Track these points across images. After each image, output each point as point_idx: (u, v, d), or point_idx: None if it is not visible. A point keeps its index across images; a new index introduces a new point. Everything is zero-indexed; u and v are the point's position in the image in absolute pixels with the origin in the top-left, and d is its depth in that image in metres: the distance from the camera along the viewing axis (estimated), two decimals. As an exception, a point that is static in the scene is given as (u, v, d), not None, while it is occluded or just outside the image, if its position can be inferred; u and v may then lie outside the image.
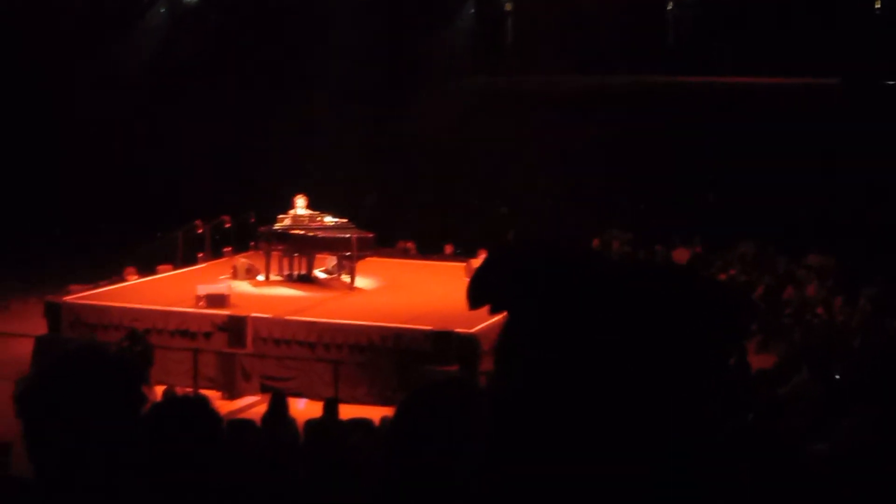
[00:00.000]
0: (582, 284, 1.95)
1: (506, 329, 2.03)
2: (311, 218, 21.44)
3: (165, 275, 22.19)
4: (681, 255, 24.08)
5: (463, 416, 2.44)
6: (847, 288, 20.37)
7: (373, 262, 21.79)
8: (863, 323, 18.46)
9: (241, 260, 22.03)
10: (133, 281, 21.34)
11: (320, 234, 20.96)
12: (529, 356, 1.93)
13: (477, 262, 21.02)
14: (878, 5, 28.61)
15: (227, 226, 24.58)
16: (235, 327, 18.10)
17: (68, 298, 19.65)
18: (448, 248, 25.16)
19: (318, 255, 21.43)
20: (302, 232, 21.02)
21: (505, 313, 2.03)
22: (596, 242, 24.63)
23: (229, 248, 24.04)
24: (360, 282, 20.97)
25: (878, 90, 27.79)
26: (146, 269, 22.19)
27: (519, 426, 1.93)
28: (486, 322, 17.09)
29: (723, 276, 22.00)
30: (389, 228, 25.13)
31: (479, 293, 2.06)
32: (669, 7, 30.02)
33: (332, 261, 21.54)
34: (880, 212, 23.95)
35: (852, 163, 25.19)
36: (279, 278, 21.39)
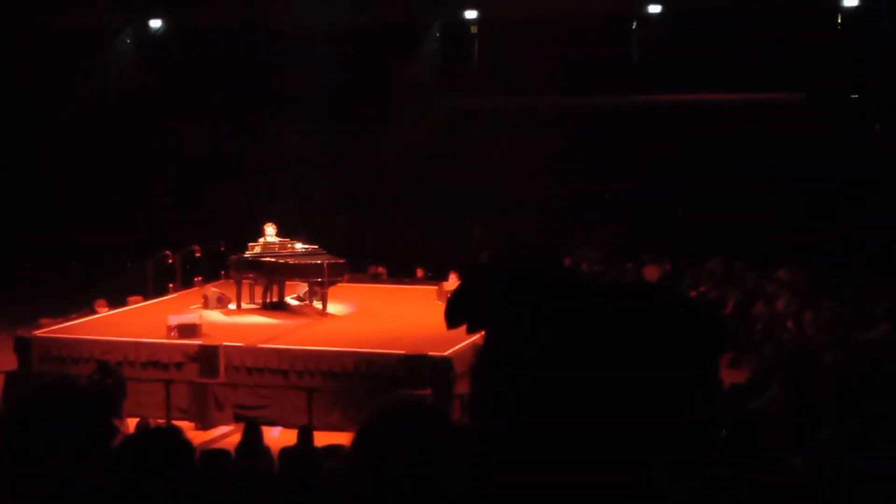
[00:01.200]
0: (558, 302, 1.95)
1: (484, 348, 2.02)
2: (282, 245, 21.41)
3: (136, 306, 22.09)
4: (651, 273, 24.16)
5: (424, 438, 2.42)
6: (816, 302, 20.48)
7: (344, 287, 21.76)
8: (832, 336, 18.54)
9: (212, 289, 21.96)
10: (103, 313, 21.23)
11: (291, 260, 20.93)
12: (508, 375, 1.93)
13: (448, 285, 21.07)
14: (839, 20, 28.88)
15: (197, 255, 24.51)
16: (207, 357, 18.01)
17: (38, 332, 19.52)
18: (419, 272, 25.19)
19: (290, 282, 21.39)
20: (272, 259, 20.98)
21: (481, 333, 2.03)
22: (567, 261, 24.67)
23: (200, 278, 23.96)
24: (332, 308, 20.94)
25: (843, 104, 28.04)
26: (116, 300, 22.08)
27: (501, 446, 1.92)
28: (459, 345, 17.09)
29: (693, 293, 22.09)
30: (361, 254, 25.14)
31: (456, 312, 2.06)
32: (634, 26, 30.21)
33: (303, 287, 21.50)
34: (848, 225, 24.10)
35: (819, 176, 25.38)
36: (251, 306, 21.34)
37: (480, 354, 2.02)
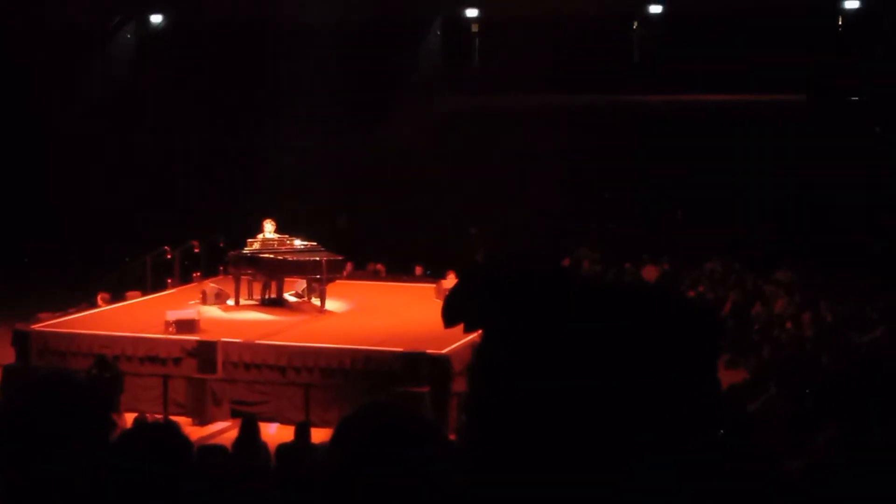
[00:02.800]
0: (555, 303, 1.95)
1: (481, 348, 2.03)
2: (281, 241, 21.39)
3: (134, 301, 22.08)
4: (649, 273, 24.16)
5: (401, 442, 2.42)
6: (815, 304, 20.49)
7: (343, 284, 21.75)
8: (830, 338, 18.55)
9: (211, 285, 21.95)
10: (102, 307, 21.22)
11: (290, 257, 20.91)
12: (505, 375, 1.93)
13: (447, 283, 21.07)
14: (840, 23, 28.87)
15: (196, 251, 24.51)
16: (205, 352, 18.01)
17: (37, 326, 19.51)
18: (418, 270, 25.19)
19: (288, 279, 21.38)
20: (271, 256, 20.96)
21: (478, 333, 2.03)
22: (566, 262, 24.67)
23: (198, 273, 23.96)
24: (331, 304, 20.93)
25: (844, 107, 28.03)
26: (115, 295, 22.08)
27: (497, 443, 1.93)
28: (457, 343, 17.09)
29: (691, 294, 22.09)
30: (359, 251, 25.15)
31: (453, 312, 2.06)
32: (634, 26, 30.20)
33: (301, 284, 21.49)
34: (847, 228, 24.11)
35: (819, 178, 25.39)
36: (249, 302, 21.32)
37: (477, 354, 2.02)
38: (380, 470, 2.33)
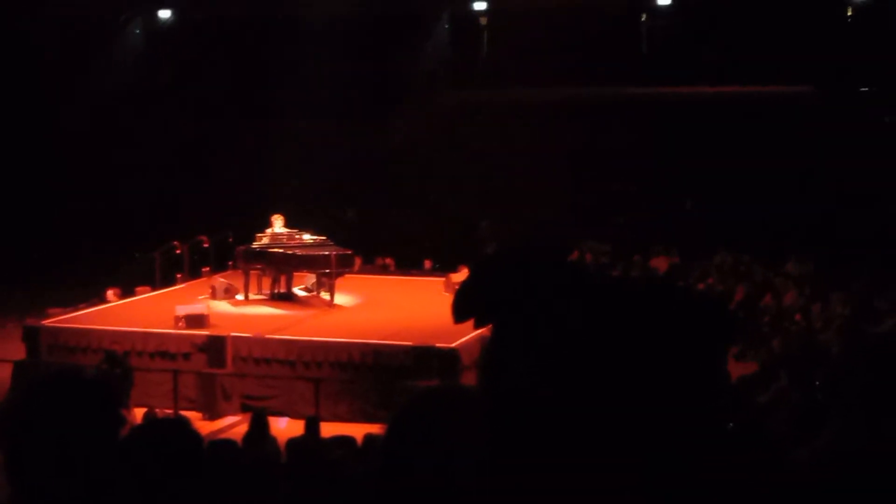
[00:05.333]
0: (566, 295, 1.95)
1: (492, 341, 2.02)
2: (290, 236, 21.42)
3: (144, 296, 22.12)
4: (659, 264, 24.13)
5: (455, 423, 2.42)
6: (825, 295, 20.45)
7: (352, 278, 21.77)
8: (840, 329, 18.52)
9: (220, 280, 21.98)
10: (112, 303, 21.27)
11: (299, 251, 20.93)
12: (516, 368, 1.93)
13: (456, 277, 21.08)
14: (849, 13, 28.78)
15: (205, 245, 24.53)
16: (215, 347, 18.04)
17: (46, 322, 19.56)
18: (427, 264, 25.19)
19: (297, 273, 21.39)
20: (280, 250, 20.99)
21: (489, 327, 2.03)
22: (574, 254, 24.65)
23: (207, 268, 23.99)
24: (340, 299, 20.94)
25: (852, 97, 27.95)
26: (125, 290, 22.13)
27: (508, 437, 1.93)
28: (466, 336, 17.09)
29: (700, 286, 22.06)
30: (368, 245, 25.14)
31: (464, 306, 2.06)
32: (643, 18, 30.14)
33: (311, 278, 21.51)
34: (855, 218, 24.05)
35: (827, 169, 25.32)
36: (258, 297, 21.35)
37: (488, 348, 2.02)
38: (438, 455, 2.32)
